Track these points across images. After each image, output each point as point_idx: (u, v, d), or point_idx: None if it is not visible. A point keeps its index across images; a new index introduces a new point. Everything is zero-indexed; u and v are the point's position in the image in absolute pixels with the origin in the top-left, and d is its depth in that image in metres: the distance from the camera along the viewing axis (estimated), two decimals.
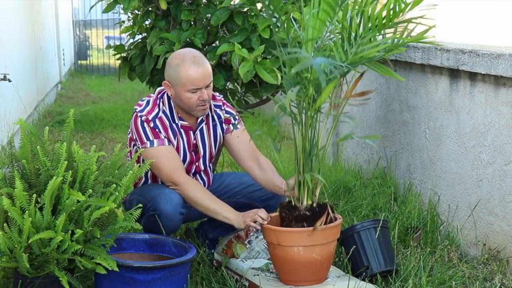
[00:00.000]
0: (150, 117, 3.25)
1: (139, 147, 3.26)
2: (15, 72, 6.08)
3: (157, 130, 3.24)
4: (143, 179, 3.42)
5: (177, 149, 3.31)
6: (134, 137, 3.28)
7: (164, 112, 3.29)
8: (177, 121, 3.31)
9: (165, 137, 3.25)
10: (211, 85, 3.27)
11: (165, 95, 3.32)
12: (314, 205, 3.05)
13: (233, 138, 3.46)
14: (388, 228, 3.46)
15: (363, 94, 3.07)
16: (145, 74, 4.28)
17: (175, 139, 3.31)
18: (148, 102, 3.30)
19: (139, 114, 3.25)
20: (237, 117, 3.49)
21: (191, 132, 3.36)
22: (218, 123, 3.45)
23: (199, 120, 3.37)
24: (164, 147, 3.23)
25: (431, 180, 4.08)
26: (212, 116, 3.42)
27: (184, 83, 3.19)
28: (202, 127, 3.39)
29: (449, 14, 13.50)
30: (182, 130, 3.33)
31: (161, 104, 3.29)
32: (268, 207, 3.42)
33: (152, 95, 3.36)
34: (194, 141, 3.38)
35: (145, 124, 3.23)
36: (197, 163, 3.42)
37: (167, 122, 3.29)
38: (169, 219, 3.18)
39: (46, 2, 9.94)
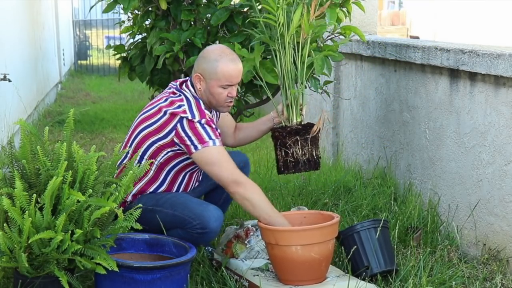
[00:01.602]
0: (208, 118, 3.23)
1: (196, 147, 3.18)
2: (15, 72, 6.08)
3: (218, 130, 3.25)
4: (157, 183, 3.37)
5: None
6: (187, 142, 3.19)
7: (205, 108, 3.30)
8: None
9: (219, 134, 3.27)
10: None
11: (192, 91, 3.31)
12: (303, 123, 3.39)
13: (224, 117, 3.59)
14: (388, 228, 3.46)
15: (323, 8, 3.47)
16: (145, 74, 4.28)
17: None
18: (190, 105, 3.24)
19: (195, 120, 3.20)
20: None
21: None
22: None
23: None
24: (223, 147, 3.25)
25: (431, 180, 4.08)
26: None
27: (219, 78, 3.23)
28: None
29: (449, 14, 13.50)
30: None
31: (200, 102, 3.28)
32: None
33: (178, 95, 3.29)
34: None
35: (206, 125, 3.21)
36: None
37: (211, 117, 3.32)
38: (214, 236, 3.22)
39: (46, 2, 9.94)
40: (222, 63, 3.23)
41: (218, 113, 3.51)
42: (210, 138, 3.19)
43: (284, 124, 3.41)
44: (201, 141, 3.19)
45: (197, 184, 3.54)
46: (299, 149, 3.33)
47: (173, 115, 3.22)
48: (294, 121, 3.39)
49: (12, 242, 2.75)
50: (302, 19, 3.32)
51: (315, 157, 3.37)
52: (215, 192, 3.64)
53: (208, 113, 3.27)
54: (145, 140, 3.28)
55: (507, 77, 3.36)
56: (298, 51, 3.39)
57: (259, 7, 3.94)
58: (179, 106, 3.24)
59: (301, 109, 3.41)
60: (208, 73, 3.25)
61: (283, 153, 3.35)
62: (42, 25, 9.09)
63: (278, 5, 3.29)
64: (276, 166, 3.44)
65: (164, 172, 3.34)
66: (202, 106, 3.27)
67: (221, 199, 3.65)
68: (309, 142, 3.34)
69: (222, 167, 3.20)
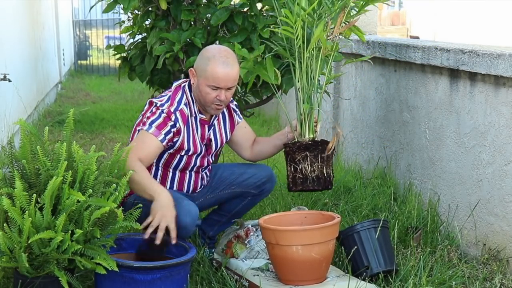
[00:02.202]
0: (172, 109, 3.25)
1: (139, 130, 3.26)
2: (15, 72, 6.08)
3: (170, 125, 3.22)
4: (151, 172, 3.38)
5: (194, 142, 3.33)
6: (144, 120, 3.24)
7: (186, 104, 3.30)
8: (197, 115, 3.34)
9: (167, 133, 3.22)
10: (233, 89, 3.29)
11: (186, 87, 3.34)
12: (317, 139, 3.29)
13: (240, 129, 3.55)
14: (388, 228, 3.46)
15: (350, 24, 3.42)
16: (145, 74, 4.28)
17: (190, 132, 3.31)
18: (169, 96, 3.30)
19: (161, 108, 3.24)
20: (237, 109, 3.57)
21: (207, 126, 3.39)
22: (227, 117, 3.49)
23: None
24: (154, 139, 3.21)
25: (431, 180, 4.08)
26: (223, 112, 3.47)
27: (207, 77, 3.22)
28: (214, 122, 3.43)
29: (449, 14, 13.50)
30: (199, 124, 3.35)
31: (183, 97, 3.30)
32: (264, 192, 3.53)
33: (170, 89, 3.37)
34: (208, 136, 3.40)
35: (163, 114, 3.23)
36: (207, 158, 3.45)
37: (187, 114, 3.30)
38: (187, 231, 3.17)
39: (46, 2, 9.94)
40: (213, 63, 3.21)
41: (230, 120, 3.51)
42: (150, 124, 3.22)
43: (296, 140, 3.34)
44: (143, 122, 3.24)
45: (201, 188, 3.51)
46: (308, 165, 3.23)
47: (150, 103, 3.29)
48: (307, 136, 3.30)
49: (12, 242, 2.75)
50: (322, 34, 3.23)
51: (325, 175, 3.25)
52: (230, 203, 3.58)
53: (185, 108, 3.28)
54: (134, 131, 3.34)
55: (507, 77, 3.36)
56: (314, 68, 3.31)
57: (259, 7, 3.94)
58: (161, 96, 3.31)
59: (315, 125, 3.33)
60: (200, 70, 3.26)
61: (292, 169, 3.27)
62: (42, 25, 9.09)
63: (298, 18, 3.18)
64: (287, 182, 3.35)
65: (153, 167, 3.37)
66: (183, 101, 3.29)
67: (236, 209, 3.58)
68: (319, 159, 3.24)
69: (130, 149, 3.14)
